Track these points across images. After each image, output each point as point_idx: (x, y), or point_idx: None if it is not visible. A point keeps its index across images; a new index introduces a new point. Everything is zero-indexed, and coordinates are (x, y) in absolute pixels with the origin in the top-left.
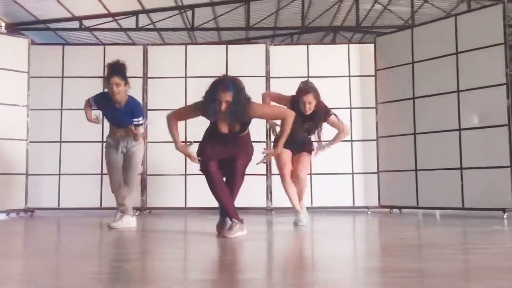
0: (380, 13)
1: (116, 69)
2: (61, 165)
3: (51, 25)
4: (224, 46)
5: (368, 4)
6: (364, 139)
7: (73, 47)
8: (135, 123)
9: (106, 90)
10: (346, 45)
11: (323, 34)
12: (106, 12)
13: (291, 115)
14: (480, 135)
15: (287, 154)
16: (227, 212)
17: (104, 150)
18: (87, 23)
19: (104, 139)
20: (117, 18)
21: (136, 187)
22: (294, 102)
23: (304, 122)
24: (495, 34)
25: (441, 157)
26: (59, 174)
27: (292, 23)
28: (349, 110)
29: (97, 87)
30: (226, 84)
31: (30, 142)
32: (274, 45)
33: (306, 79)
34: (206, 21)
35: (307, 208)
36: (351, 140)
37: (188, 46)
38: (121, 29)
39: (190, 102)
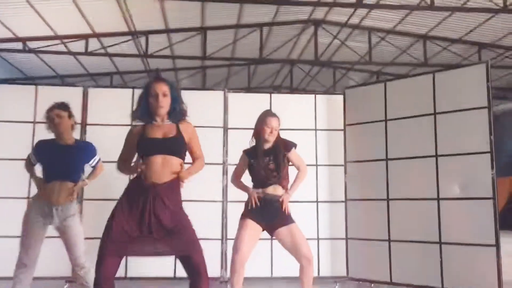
0: (338, 48)
1: (58, 104)
2: None
3: None
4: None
5: (326, 39)
6: (331, 200)
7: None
8: (92, 164)
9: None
10: (313, 95)
11: (280, 65)
12: (53, 34)
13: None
14: (462, 206)
15: (250, 230)
16: None
17: (24, 216)
18: (32, 45)
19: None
20: (65, 41)
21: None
22: (249, 152)
23: (264, 158)
24: (478, 96)
25: (418, 228)
26: None
27: (249, 55)
28: (315, 167)
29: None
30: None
31: None
32: (233, 92)
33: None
34: (161, 48)
35: (265, 278)
36: (317, 201)
37: (136, 90)
38: (69, 52)
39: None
